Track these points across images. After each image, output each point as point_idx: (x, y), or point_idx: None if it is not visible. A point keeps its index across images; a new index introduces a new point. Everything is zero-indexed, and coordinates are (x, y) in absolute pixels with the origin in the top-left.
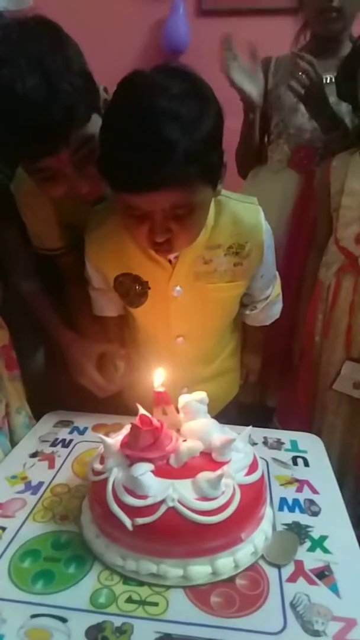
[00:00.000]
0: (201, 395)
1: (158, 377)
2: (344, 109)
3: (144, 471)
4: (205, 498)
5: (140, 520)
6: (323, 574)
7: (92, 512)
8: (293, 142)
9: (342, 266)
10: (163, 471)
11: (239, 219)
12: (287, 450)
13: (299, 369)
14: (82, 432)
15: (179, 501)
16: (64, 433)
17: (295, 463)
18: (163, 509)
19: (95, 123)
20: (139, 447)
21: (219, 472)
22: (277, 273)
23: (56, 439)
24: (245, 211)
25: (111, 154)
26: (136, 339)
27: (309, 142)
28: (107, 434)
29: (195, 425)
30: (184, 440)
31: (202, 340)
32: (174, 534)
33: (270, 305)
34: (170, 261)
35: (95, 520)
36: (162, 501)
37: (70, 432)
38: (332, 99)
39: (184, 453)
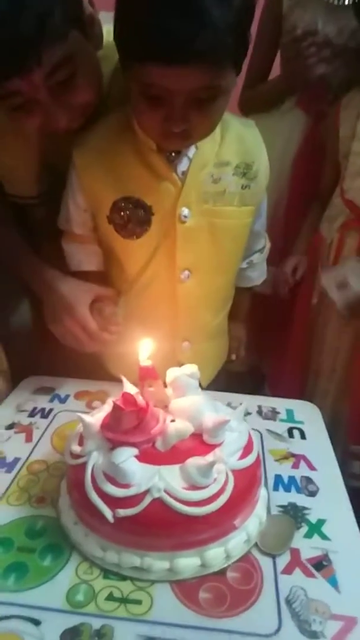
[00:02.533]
0: (192, 368)
1: (144, 349)
2: None
3: (126, 457)
4: (194, 487)
5: (122, 512)
6: (321, 564)
7: (70, 497)
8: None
9: (346, 221)
10: (148, 455)
11: (243, 137)
12: (282, 420)
13: (293, 333)
14: (63, 401)
15: (165, 491)
16: (43, 401)
17: (291, 435)
18: (148, 500)
19: (75, 41)
20: (121, 429)
21: (210, 458)
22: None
23: (35, 408)
24: (246, 130)
25: (133, 14)
26: (128, 286)
27: (322, 79)
28: (90, 404)
29: (185, 403)
30: (172, 421)
31: (210, 277)
32: (160, 526)
33: (263, 260)
34: (178, 178)
35: (73, 506)
36: (147, 491)
37: (51, 400)
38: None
39: (171, 436)
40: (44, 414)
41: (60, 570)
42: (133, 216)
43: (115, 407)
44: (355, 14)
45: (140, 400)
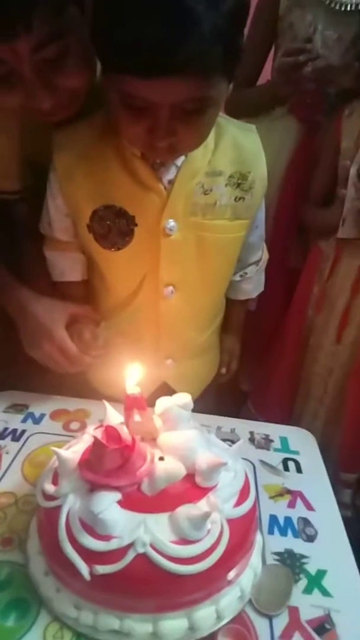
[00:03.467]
0: (185, 399)
1: (131, 374)
2: None
3: (107, 505)
4: (185, 541)
5: (101, 569)
6: (323, 627)
7: (40, 541)
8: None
9: None
10: (132, 501)
11: (240, 145)
12: (276, 450)
13: (283, 349)
14: (37, 421)
15: (151, 545)
16: (15, 421)
17: (286, 467)
18: (131, 555)
19: (71, 19)
20: (102, 470)
21: (204, 507)
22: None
23: (6, 429)
24: (245, 138)
25: (107, 19)
26: (110, 297)
27: (318, 88)
28: (67, 425)
29: (177, 439)
30: (161, 458)
31: (196, 294)
32: (144, 585)
33: (260, 272)
34: (164, 187)
35: (44, 553)
36: (130, 545)
37: (24, 421)
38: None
39: (160, 479)
40: (15, 436)
41: (26, 632)
42: (114, 226)
43: (97, 443)
44: None
45: (125, 434)
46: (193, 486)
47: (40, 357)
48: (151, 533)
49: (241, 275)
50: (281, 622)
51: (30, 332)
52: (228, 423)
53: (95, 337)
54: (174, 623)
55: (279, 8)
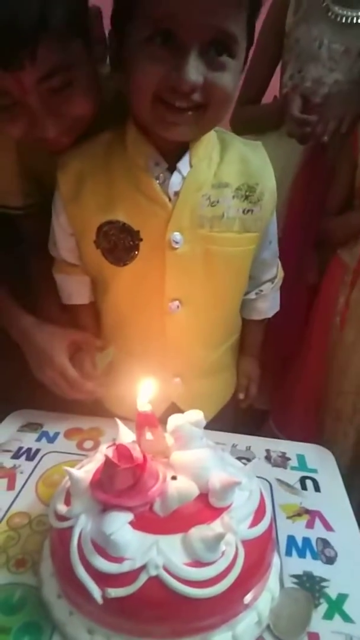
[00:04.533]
0: (197, 416)
1: (143, 391)
2: None
3: (119, 526)
4: (199, 563)
5: (114, 592)
6: None
7: (53, 563)
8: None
9: None
10: (145, 522)
11: (246, 158)
12: (293, 468)
13: (305, 367)
14: (51, 440)
15: (164, 568)
16: (29, 440)
17: (304, 487)
18: (143, 578)
19: (76, 51)
20: (114, 490)
21: (218, 528)
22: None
23: (20, 449)
24: (252, 152)
25: None
26: (116, 314)
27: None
28: (81, 444)
29: (189, 458)
30: (173, 478)
31: (203, 310)
32: (157, 609)
33: (275, 290)
34: (169, 199)
35: (56, 575)
36: (143, 567)
37: (38, 440)
38: None
39: (173, 499)
40: (30, 455)
41: None
42: (119, 242)
43: (108, 462)
44: None
45: (137, 453)
46: (206, 506)
47: (46, 382)
48: (164, 555)
49: (256, 294)
50: None
51: (35, 358)
52: (243, 441)
53: (94, 366)
54: None
55: (285, 25)
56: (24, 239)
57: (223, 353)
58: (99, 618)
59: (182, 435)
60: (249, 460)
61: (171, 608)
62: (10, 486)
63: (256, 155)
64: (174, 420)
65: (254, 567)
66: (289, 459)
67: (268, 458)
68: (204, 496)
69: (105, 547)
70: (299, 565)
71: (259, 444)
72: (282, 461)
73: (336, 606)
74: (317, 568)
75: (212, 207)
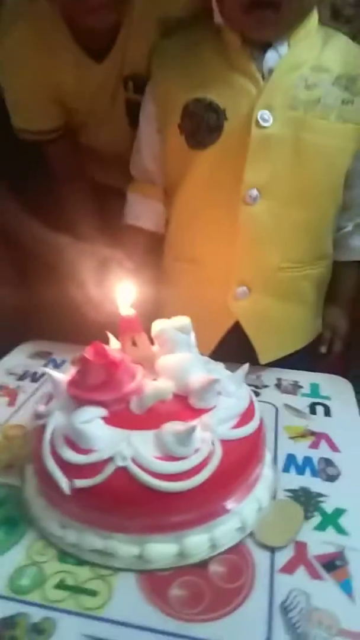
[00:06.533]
0: (183, 321)
1: (124, 294)
2: None
3: (89, 418)
4: (170, 457)
5: (79, 483)
6: (333, 564)
7: (33, 462)
8: None
9: None
10: (119, 418)
11: (348, 48)
12: (304, 395)
13: None
14: (58, 366)
15: (133, 459)
16: (36, 366)
17: (313, 411)
18: (110, 469)
19: None
20: (87, 386)
21: (193, 422)
22: None
23: (26, 372)
24: (353, 44)
25: None
26: (188, 211)
27: None
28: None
29: (171, 360)
30: (155, 379)
31: (286, 205)
32: (126, 502)
33: None
34: (263, 76)
35: (35, 474)
36: (111, 459)
37: (45, 365)
38: None
39: (148, 396)
40: (34, 378)
41: (10, 548)
42: (203, 122)
43: (83, 359)
44: None
45: (115, 353)
46: (187, 407)
47: (73, 301)
48: (133, 448)
49: (354, 225)
50: (285, 555)
51: (66, 276)
52: (254, 370)
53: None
54: (161, 547)
55: None
56: (51, 171)
57: (303, 278)
58: (70, 511)
59: (166, 339)
60: (257, 387)
61: (141, 501)
62: (11, 403)
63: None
64: (158, 325)
65: (235, 470)
66: (301, 387)
67: (278, 385)
68: (184, 398)
69: (75, 440)
70: (295, 481)
71: (271, 374)
72: (292, 388)
73: (331, 519)
74: (316, 484)
75: (308, 91)
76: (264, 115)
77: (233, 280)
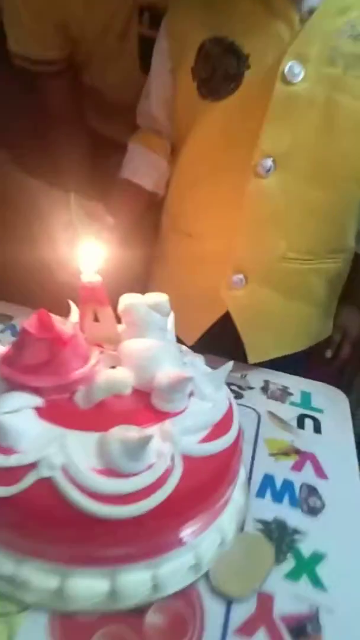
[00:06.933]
0: (159, 298)
1: (88, 256)
2: None
3: (16, 407)
4: (113, 471)
5: None
6: (304, 629)
7: None
8: None
9: None
10: (57, 413)
11: None
12: (293, 404)
13: None
14: (15, 334)
15: (63, 469)
16: None
17: (301, 425)
18: (31, 478)
19: None
20: (22, 365)
21: (151, 429)
22: None
23: None
24: None
25: None
26: (190, 176)
27: None
28: None
29: (137, 345)
30: (112, 368)
31: (302, 183)
32: (47, 523)
33: None
34: (300, 18)
35: None
36: (34, 465)
37: (2, 331)
38: None
39: (99, 387)
40: None
41: None
42: (220, 67)
43: (22, 331)
44: None
45: (65, 327)
46: (147, 408)
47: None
48: (66, 454)
49: None
50: (244, 610)
51: (37, 226)
52: (240, 368)
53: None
54: (88, 582)
55: None
56: (48, 108)
57: (312, 272)
58: None
59: (135, 319)
60: (241, 388)
61: (65, 522)
62: None
63: None
64: (126, 298)
65: (197, 495)
66: (290, 394)
67: (264, 389)
68: (146, 395)
69: None
70: (270, 510)
71: (258, 375)
72: (281, 394)
73: (307, 566)
74: (294, 517)
75: (355, 41)
76: (294, 68)
77: (229, 266)
